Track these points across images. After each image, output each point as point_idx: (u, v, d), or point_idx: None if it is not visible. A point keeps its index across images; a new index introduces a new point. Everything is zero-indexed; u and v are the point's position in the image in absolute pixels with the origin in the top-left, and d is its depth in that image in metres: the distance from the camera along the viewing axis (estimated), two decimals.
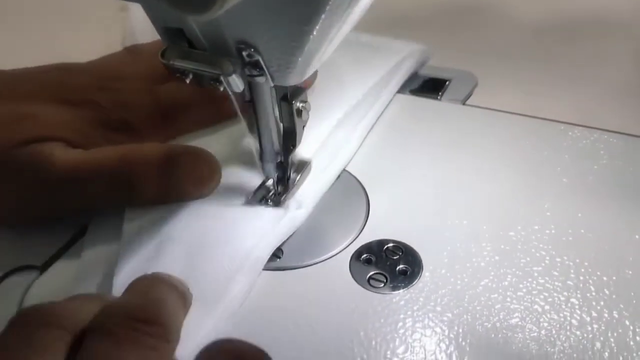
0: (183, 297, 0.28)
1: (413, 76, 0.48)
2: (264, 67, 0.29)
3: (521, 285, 0.31)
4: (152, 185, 0.34)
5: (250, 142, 0.35)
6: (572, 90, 0.45)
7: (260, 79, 0.30)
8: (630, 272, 0.31)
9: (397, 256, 0.34)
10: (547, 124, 0.42)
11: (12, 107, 0.35)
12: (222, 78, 0.30)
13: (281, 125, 0.35)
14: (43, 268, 0.35)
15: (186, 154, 0.35)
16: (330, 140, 0.40)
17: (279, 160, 0.36)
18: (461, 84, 0.47)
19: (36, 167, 0.33)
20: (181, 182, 0.34)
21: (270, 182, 0.36)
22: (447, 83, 0.47)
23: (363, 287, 0.32)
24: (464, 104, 0.45)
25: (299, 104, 0.34)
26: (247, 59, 0.29)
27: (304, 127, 0.35)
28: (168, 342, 0.24)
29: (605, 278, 0.31)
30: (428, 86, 0.47)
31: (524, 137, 0.41)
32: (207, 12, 0.18)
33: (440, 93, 0.46)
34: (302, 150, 0.37)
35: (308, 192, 0.37)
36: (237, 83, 0.30)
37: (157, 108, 0.39)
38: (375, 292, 0.32)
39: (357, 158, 0.41)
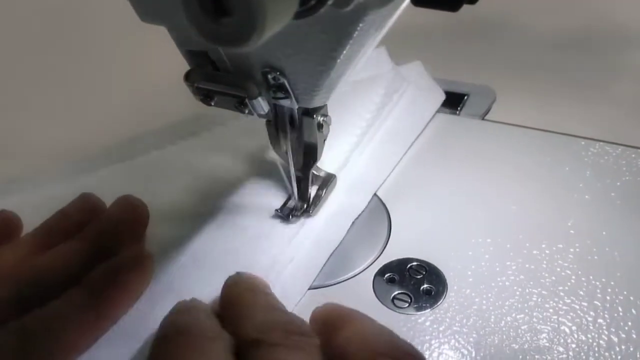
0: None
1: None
2: (289, 90, 0.29)
3: (547, 305, 0.31)
4: None
5: (274, 158, 0.36)
6: (592, 104, 0.45)
7: (285, 102, 0.30)
8: None
9: (421, 275, 0.34)
10: (568, 139, 0.42)
11: None
12: (247, 101, 0.30)
13: (303, 140, 0.35)
14: None
15: None
16: (357, 161, 0.40)
17: (299, 176, 0.36)
18: (480, 99, 0.47)
19: None
20: None
21: (293, 199, 0.37)
22: (465, 98, 0.47)
23: (387, 307, 0.32)
24: (483, 118, 0.45)
25: (320, 118, 0.34)
26: (272, 82, 0.29)
27: (324, 141, 0.35)
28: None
29: (632, 298, 0.31)
30: (447, 100, 0.47)
31: (545, 153, 0.41)
32: (245, 45, 0.18)
33: (459, 108, 0.46)
34: (326, 166, 0.37)
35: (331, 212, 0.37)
36: (262, 105, 0.30)
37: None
38: (400, 313, 0.32)
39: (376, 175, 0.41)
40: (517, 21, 0.55)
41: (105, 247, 0.31)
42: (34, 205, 0.34)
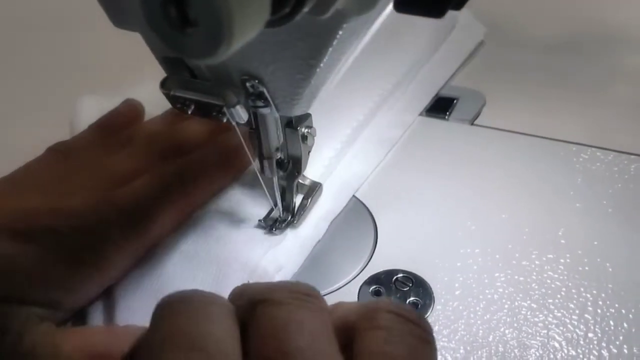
0: None
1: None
2: (268, 98, 0.28)
3: (536, 319, 0.30)
4: None
5: (256, 169, 0.35)
6: (584, 109, 0.44)
7: (264, 110, 0.29)
8: None
9: (407, 287, 0.33)
10: (559, 144, 0.41)
11: None
12: (225, 109, 0.29)
13: (286, 151, 0.34)
14: None
15: None
16: (339, 165, 0.39)
17: (283, 186, 0.35)
18: (469, 103, 0.46)
19: None
20: None
21: (277, 208, 0.36)
22: (454, 102, 0.46)
23: None
24: (472, 124, 0.44)
25: (304, 130, 0.33)
26: (251, 90, 0.28)
27: (309, 152, 0.35)
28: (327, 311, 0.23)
29: (623, 311, 0.30)
30: (435, 105, 0.46)
31: (536, 159, 0.40)
32: (213, 57, 0.17)
33: (448, 112, 0.45)
34: (310, 174, 0.36)
35: (315, 219, 0.36)
36: (240, 114, 0.29)
37: (119, 216, 0.32)
38: None
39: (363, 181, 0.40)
40: (506, 24, 0.54)
41: None
42: None
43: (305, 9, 0.20)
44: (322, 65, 0.25)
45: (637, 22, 0.52)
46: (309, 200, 0.36)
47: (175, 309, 0.21)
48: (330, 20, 0.22)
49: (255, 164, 0.34)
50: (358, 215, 0.38)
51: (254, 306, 0.22)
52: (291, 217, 0.35)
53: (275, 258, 0.33)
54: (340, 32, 0.24)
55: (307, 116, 0.33)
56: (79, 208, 0.32)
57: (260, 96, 0.28)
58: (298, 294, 0.22)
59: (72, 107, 0.43)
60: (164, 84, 0.30)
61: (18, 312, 0.27)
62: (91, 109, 0.42)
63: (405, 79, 0.45)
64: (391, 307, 0.22)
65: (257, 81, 0.27)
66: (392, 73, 0.45)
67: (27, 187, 0.34)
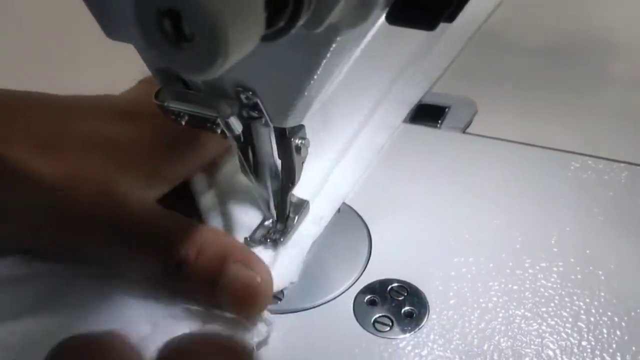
0: None
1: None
2: (262, 109, 0.28)
3: (531, 328, 0.30)
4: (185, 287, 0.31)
5: (249, 180, 0.35)
6: (575, 117, 0.44)
7: (258, 121, 0.29)
8: None
9: (402, 297, 0.33)
10: (550, 153, 0.41)
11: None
12: (219, 120, 0.29)
13: (279, 162, 0.34)
14: None
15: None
16: (326, 179, 0.39)
17: (277, 199, 0.35)
18: (461, 111, 0.46)
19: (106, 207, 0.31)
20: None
21: (269, 221, 0.36)
22: (446, 110, 0.46)
23: (368, 331, 0.31)
24: (464, 132, 0.45)
25: (297, 141, 0.33)
26: (245, 101, 0.28)
27: (302, 163, 0.35)
28: None
29: (616, 319, 0.30)
30: (427, 113, 0.46)
31: (528, 167, 0.40)
32: (209, 72, 0.17)
33: (439, 121, 0.45)
34: (298, 191, 0.36)
35: (306, 231, 0.36)
36: (235, 125, 0.29)
37: None
38: (381, 337, 0.31)
39: (357, 191, 0.40)
40: (497, 32, 0.54)
41: None
42: None
43: (300, 23, 0.20)
44: (316, 77, 0.25)
45: (628, 28, 0.52)
46: (296, 217, 0.36)
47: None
48: (324, 33, 0.22)
49: (250, 177, 0.34)
50: (352, 225, 0.38)
51: None
52: (283, 230, 0.35)
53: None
54: (334, 45, 0.24)
55: (300, 127, 0.33)
56: None
57: (255, 107, 0.28)
58: None
59: None
60: (157, 96, 0.30)
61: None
62: None
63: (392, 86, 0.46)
64: None
65: (251, 93, 0.28)
66: (380, 82, 0.46)
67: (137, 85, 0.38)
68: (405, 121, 0.46)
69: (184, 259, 0.30)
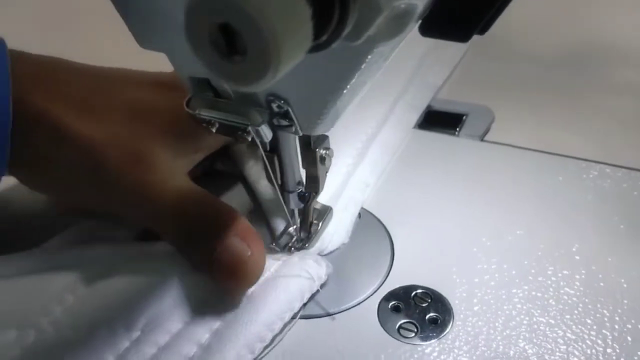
0: None
1: (430, 110, 0.48)
2: (293, 118, 0.29)
3: (556, 335, 0.31)
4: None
5: (273, 187, 0.35)
6: (594, 125, 0.44)
7: (288, 130, 0.29)
8: None
9: (426, 303, 0.33)
10: (568, 161, 0.41)
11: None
12: (249, 128, 0.29)
13: (304, 172, 0.34)
14: None
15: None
16: (344, 186, 0.40)
17: (301, 207, 0.35)
18: (478, 119, 0.47)
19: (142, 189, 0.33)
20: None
21: (292, 228, 0.36)
22: (464, 118, 0.47)
23: (393, 337, 0.32)
24: (482, 139, 0.45)
25: (322, 151, 0.33)
26: (276, 110, 0.29)
27: (326, 173, 0.35)
28: None
29: None
30: (445, 121, 0.47)
31: (546, 175, 0.40)
32: (259, 83, 0.18)
33: (457, 128, 0.46)
34: (320, 198, 0.36)
35: (330, 242, 0.36)
36: (265, 133, 0.29)
37: None
38: (406, 343, 0.31)
39: (377, 198, 0.40)
40: (514, 40, 0.55)
41: None
42: None
43: (342, 36, 0.21)
44: (349, 87, 0.26)
45: None
46: (320, 224, 0.36)
47: None
48: (362, 44, 0.23)
49: (274, 184, 0.34)
50: (374, 231, 0.38)
51: None
52: (306, 237, 0.35)
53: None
54: (370, 56, 0.24)
55: (324, 137, 0.33)
56: None
57: (285, 115, 0.29)
58: None
59: None
60: (188, 104, 0.30)
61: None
62: None
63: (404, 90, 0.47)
64: None
65: (283, 101, 0.28)
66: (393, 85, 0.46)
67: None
68: (423, 128, 0.46)
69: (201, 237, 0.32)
